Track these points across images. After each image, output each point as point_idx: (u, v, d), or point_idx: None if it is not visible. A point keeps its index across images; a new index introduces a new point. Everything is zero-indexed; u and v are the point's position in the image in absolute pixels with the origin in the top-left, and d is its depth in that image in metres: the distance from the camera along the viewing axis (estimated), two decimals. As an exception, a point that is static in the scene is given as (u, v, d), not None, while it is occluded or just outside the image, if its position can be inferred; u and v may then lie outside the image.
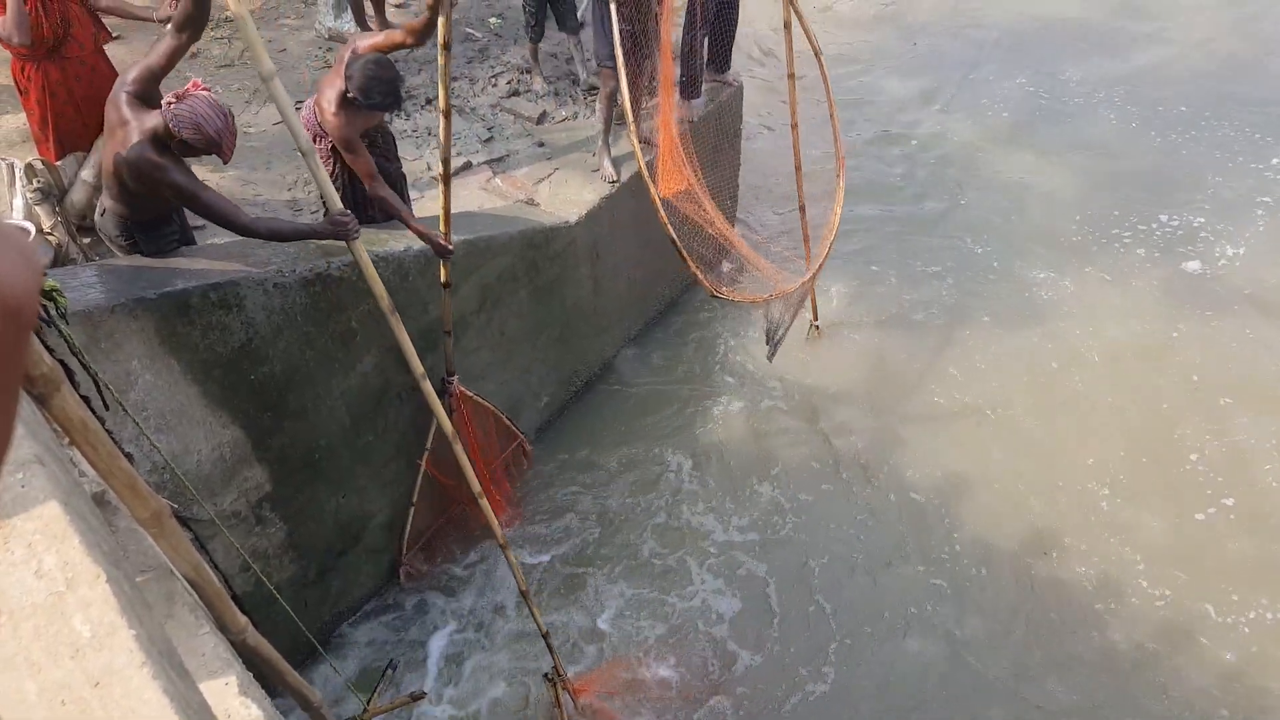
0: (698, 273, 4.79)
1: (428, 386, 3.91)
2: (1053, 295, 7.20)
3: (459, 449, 4.08)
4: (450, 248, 4.16)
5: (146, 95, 3.32)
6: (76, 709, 1.03)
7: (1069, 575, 5.32)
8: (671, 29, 4.86)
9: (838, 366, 6.63)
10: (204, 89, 3.26)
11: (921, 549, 5.49)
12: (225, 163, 3.45)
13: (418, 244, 4.43)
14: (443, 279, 4.29)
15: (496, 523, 4.25)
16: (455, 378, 4.82)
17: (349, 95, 3.83)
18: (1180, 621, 5.08)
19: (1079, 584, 5.27)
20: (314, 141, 4.25)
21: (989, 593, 5.26)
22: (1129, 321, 6.94)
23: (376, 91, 3.78)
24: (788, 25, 5.31)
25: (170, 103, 3.19)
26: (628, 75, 5.14)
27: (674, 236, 4.64)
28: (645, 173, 4.76)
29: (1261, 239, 7.70)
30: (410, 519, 5.09)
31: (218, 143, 3.27)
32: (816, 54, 5.51)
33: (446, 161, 3.87)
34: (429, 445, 4.89)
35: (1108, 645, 5.00)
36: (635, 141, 4.76)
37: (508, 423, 5.46)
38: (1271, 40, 10.77)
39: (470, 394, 4.98)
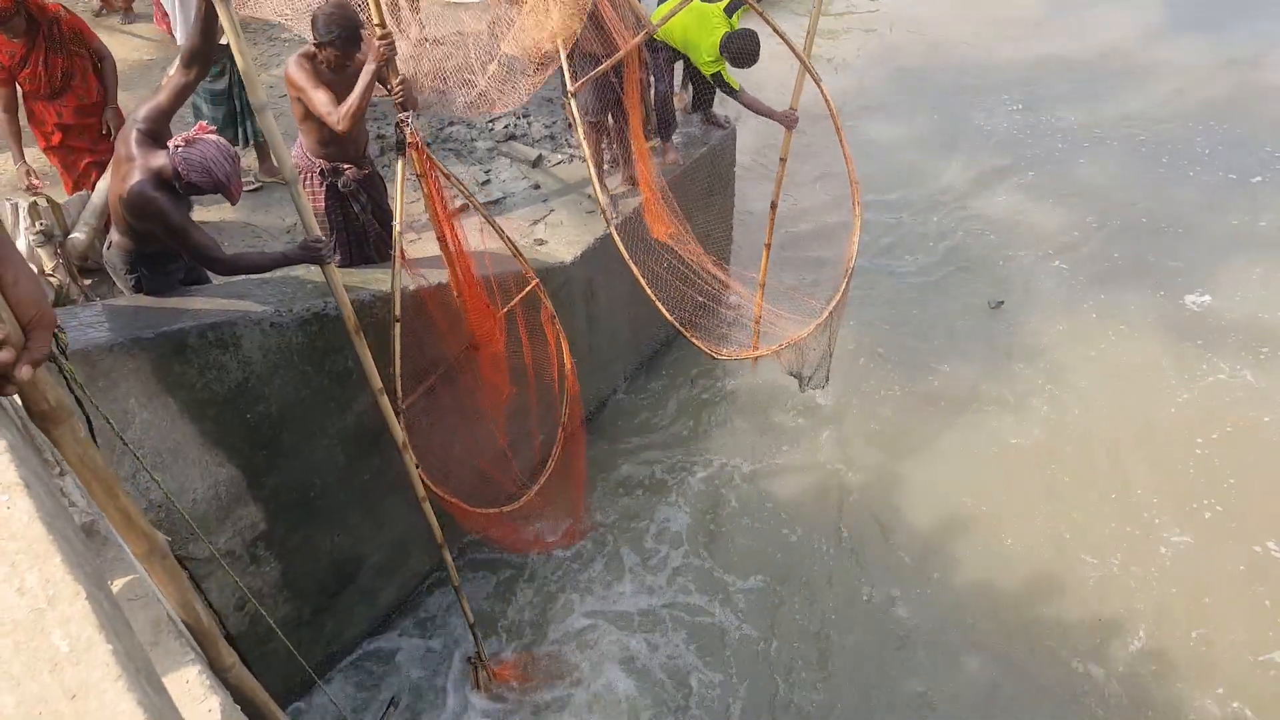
0: (691, 338, 4.69)
1: (385, 401, 3.80)
2: (1046, 337, 7.24)
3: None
4: None
5: (155, 133, 3.38)
6: (52, 721, 1.05)
7: (1054, 616, 5.30)
8: (639, 85, 4.95)
9: (830, 407, 6.65)
10: (210, 132, 3.35)
11: (908, 589, 5.47)
12: (233, 204, 3.53)
13: (413, 285, 4.49)
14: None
15: (435, 521, 4.20)
16: (410, 116, 3.70)
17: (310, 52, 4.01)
18: (1154, 660, 5.09)
19: (1062, 625, 5.26)
20: (300, 175, 4.35)
21: (973, 634, 5.24)
22: (1122, 361, 6.97)
23: (335, 24, 3.90)
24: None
25: (179, 146, 3.26)
26: (603, 128, 5.22)
27: (659, 303, 4.54)
28: (615, 236, 4.63)
29: (1252, 279, 7.75)
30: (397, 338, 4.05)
31: (225, 185, 3.35)
32: (823, 95, 5.50)
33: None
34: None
35: (1084, 683, 5.00)
36: (602, 202, 4.79)
37: (509, 245, 4.33)
38: (1258, 84, 10.95)
39: (431, 154, 3.85)
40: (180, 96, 3.39)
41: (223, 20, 2.81)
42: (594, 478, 6.11)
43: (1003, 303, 7.60)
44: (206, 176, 3.27)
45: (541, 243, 5.63)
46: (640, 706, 4.91)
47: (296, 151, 4.30)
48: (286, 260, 3.59)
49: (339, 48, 3.99)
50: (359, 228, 4.62)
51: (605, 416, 6.59)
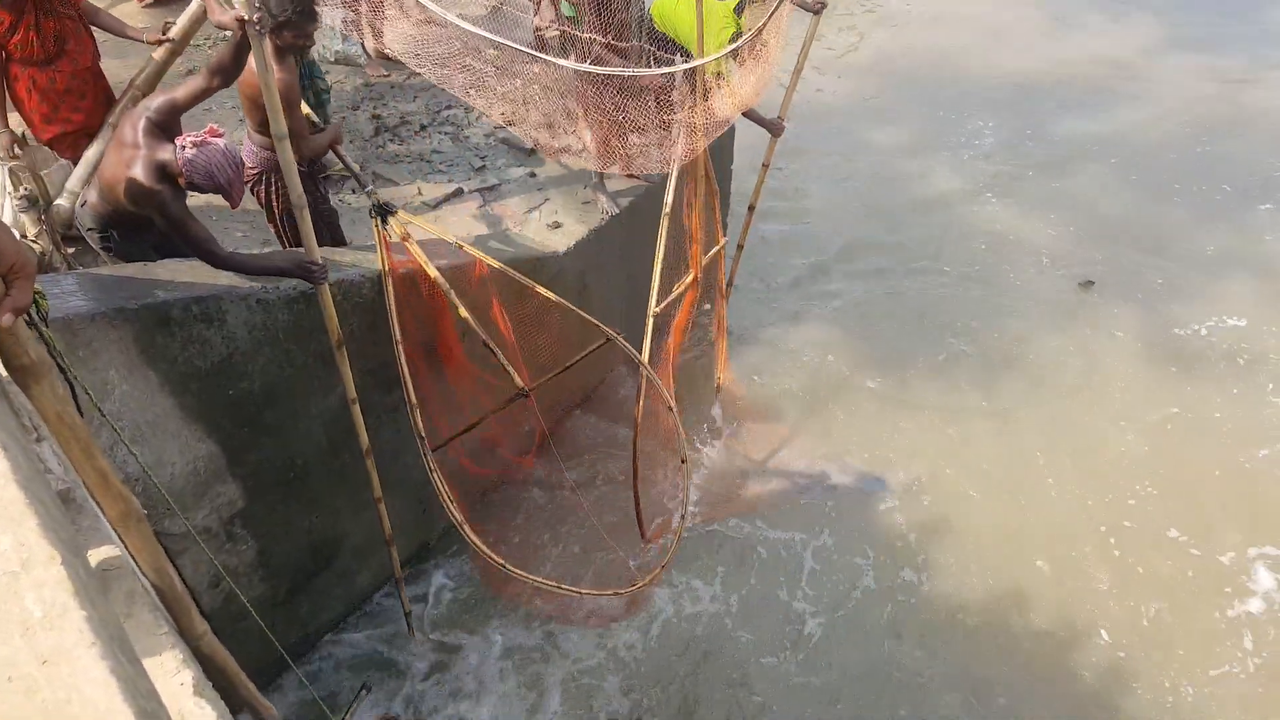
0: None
1: (356, 411, 4.05)
2: (1034, 351, 7.28)
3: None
4: None
5: (166, 125, 3.47)
6: (23, 685, 1.03)
7: (1034, 631, 5.33)
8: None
9: (809, 419, 6.64)
10: (219, 135, 3.39)
11: (885, 599, 5.50)
12: (234, 208, 3.57)
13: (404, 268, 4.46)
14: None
15: (385, 517, 4.41)
16: (373, 188, 4.30)
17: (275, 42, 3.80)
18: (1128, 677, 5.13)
19: (1045, 640, 5.29)
20: (252, 175, 4.34)
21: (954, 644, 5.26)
22: (1110, 380, 7.01)
23: (290, 4, 3.77)
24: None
25: (185, 147, 3.33)
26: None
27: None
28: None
29: (1241, 300, 7.82)
30: None
31: (227, 191, 3.43)
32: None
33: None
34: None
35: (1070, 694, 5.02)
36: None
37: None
38: (1251, 106, 11.05)
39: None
40: (196, 98, 3.51)
41: (254, 53, 3.00)
42: (577, 454, 6.11)
43: (1093, 283, 7.80)
44: (209, 180, 3.36)
45: (557, 226, 5.60)
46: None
47: (248, 150, 4.26)
48: (280, 272, 3.67)
49: (300, 24, 3.81)
50: (328, 210, 4.61)
51: (589, 408, 6.58)
